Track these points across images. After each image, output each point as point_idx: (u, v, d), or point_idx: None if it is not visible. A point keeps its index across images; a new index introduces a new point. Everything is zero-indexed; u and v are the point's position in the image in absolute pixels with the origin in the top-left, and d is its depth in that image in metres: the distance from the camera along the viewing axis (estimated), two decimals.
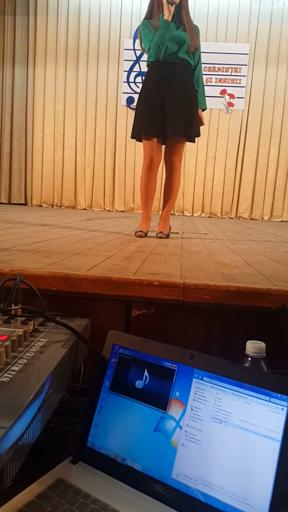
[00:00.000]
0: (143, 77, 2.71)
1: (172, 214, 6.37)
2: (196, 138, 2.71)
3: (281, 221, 6.45)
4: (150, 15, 2.55)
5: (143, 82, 2.67)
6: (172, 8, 2.39)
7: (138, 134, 2.64)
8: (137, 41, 2.63)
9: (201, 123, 2.69)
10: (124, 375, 0.79)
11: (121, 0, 6.28)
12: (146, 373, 0.77)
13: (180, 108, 2.51)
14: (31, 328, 0.85)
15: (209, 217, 6.58)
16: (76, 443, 0.79)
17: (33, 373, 0.68)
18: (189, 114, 2.55)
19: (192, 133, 2.59)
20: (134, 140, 2.76)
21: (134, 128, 2.65)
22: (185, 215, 6.57)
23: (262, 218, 6.55)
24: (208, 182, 6.57)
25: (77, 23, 6.38)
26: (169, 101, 2.50)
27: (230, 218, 6.58)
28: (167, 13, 2.39)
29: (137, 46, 2.61)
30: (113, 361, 0.80)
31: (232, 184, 6.54)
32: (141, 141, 2.67)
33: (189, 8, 2.55)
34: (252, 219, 6.55)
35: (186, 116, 2.54)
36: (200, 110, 2.66)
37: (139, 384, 0.77)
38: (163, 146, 2.67)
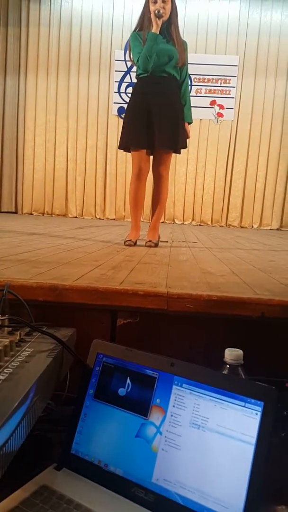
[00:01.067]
0: (132, 89, 2.77)
1: (163, 222, 6.44)
2: (186, 148, 2.78)
3: (270, 229, 6.53)
4: (140, 26, 2.59)
5: (131, 94, 2.74)
6: (160, 22, 2.44)
7: (126, 145, 2.70)
8: (127, 52, 2.69)
9: (187, 135, 2.75)
10: (108, 383, 0.81)
11: (112, 11, 6.38)
12: (128, 381, 0.79)
13: (167, 121, 2.57)
14: (18, 338, 0.87)
15: (199, 225, 6.64)
16: (61, 450, 0.82)
17: (18, 382, 0.71)
18: (176, 126, 2.61)
19: (178, 145, 2.66)
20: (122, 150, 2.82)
21: (122, 139, 2.71)
22: (176, 223, 6.63)
23: (252, 226, 6.63)
24: (199, 190, 6.65)
25: (69, 34, 6.46)
26: (156, 114, 2.56)
27: (220, 226, 6.64)
28: (155, 26, 2.44)
29: (127, 57, 2.67)
30: (97, 370, 0.83)
31: (222, 192, 6.62)
32: (129, 151, 2.72)
33: (179, 21, 2.61)
34: (241, 227, 6.62)
35: (173, 128, 2.60)
36: (186, 124, 2.72)
37: (121, 391, 0.79)
38: (151, 156, 2.73)
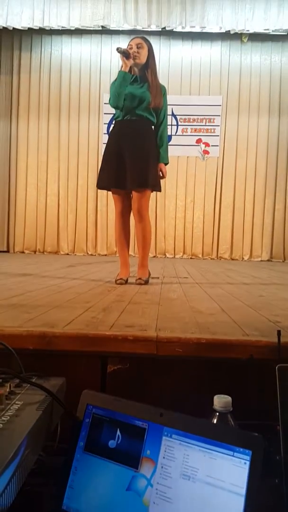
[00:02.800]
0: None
1: (154, 257, 6.50)
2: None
3: (261, 260, 6.60)
4: None
5: (108, 137, 2.86)
6: (129, 62, 2.58)
7: (103, 185, 2.79)
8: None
9: (162, 176, 2.82)
10: (98, 435, 0.81)
11: (100, 58, 6.67)
12: (118, 432, 0.79)
13: (137, 161, 2.66)
14: (7, 390, 0.87)
15: (190, 258, 6.70)
16: (51, 507, 0.80)
17: (8, 438, 0.71)
18: (145, 165, 2.68)
19: (148, 183, 2.71)
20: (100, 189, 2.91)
21: (99, 179, 2.81)
22: (167, 257, 6.68)
23: (242, 258, 6.70)
24: (188, 224, 6.75)
25: (59, 80, 6.72)
26: (127, 155, 2.66)
27: (211, 258, 6.70)
28: (124, 65, 2.59)
29: (106, 100, 2.85)
30: (87, 422, 0.83)
31: (212, 226, 6.73)
32: (109, 190, 2.84)
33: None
34: (232, 259, 6.69)
35: (142, 168, 2.68)
36: (162, 164, 2.80)
37: (112, 443, 0.79)
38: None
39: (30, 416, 0.78)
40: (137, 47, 2.63)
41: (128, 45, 2.69)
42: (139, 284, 2.68)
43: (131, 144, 2.66)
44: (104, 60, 6.66)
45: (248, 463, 0.68)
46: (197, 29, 6.06)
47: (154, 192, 2.95)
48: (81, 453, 0.81)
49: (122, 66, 2.61)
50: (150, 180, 2.71)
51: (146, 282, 2.75)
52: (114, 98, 2.63)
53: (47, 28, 6.00)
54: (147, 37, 2.80)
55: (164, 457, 0.74)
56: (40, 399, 0.85)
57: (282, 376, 0.84)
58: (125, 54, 2.56)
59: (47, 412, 0.83)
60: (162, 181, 2.86)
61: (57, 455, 1.00)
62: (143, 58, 2.65)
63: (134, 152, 2.66)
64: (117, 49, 2.59)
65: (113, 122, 2.84)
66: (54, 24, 5.85)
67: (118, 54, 2.59)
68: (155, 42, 2.78)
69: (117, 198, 2.78)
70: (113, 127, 2.81)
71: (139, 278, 2.73)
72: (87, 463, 0.80)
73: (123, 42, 6.43)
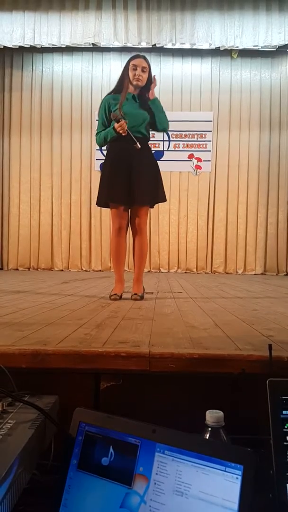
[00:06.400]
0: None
1: (149, 271, 6.50)
2: (167, 199, 2.95)
3: (255, 274, 6.63)
4: (118, 89, 2.78)
5: (107, 154, 2.88)
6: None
7: (104, 201, 2.82)
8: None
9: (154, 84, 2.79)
10: (91, 453, 0.81)
11: (91, 75, 6.77)
12: (111, 449, 0.80)
13: (145, 178, 2.71)
14: (0, 409, 0.87)
15: (185, 272, 6.71)
16: None
17: (0, 457, 0.71)
18: (154, 182, 2.77)
19: (157, 200, 2.81)
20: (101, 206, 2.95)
21: (100, 197, 2.82)
22: (162, 272, 6.68)
23: (236, 272, 6.72)
24: (182, 239, 6.78)
25: (50, 97, 6.81)
26: (134, 171, 2.69)
27: (205, 273, 6.72)
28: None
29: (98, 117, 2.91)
30: (79, 439, 0.83)
31: (205, 240, 6.77)
32: (107, 207, 2.85)
33: (156, 80, 2.80)
34: (226, 273, 6.71)
35: (151, 185, 2.74)
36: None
37: (105, 461, 0.79)
38: (129, 210, 2.83)
39: (23, 435, 0.78)
40: (142, 71, 2.69)
41: (131, 64, 2.70)
42: (135, 299, 2.69)
43: (140, 160, 2.70)
44: (95, 77, 6.77)
45: (240, 478, 0.68)
46: (187, 46, 6.18)
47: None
48: (74, 471, 0.81)
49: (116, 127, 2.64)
50: (161, 196, 2.81)
51: (142, 298, 2.75)
52: (100, 142, 2.80)
53: (38, 46, 6.08)
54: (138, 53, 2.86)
55: (157, 474, 0.75)
56: (32, 418, 0.85)
57: (272, 390, 0.84)
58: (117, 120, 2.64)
59: (40, 431, 0.83)
60: None
61: (51, 473, 1.00)
62: (144, 81, 2.72)
63: (144, 168, 2.71)
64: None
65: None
66: (45, 42, 5.93)
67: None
68: None
69: (117, 214, 2.78)
70: (114, 142, 2.74)
71: (135, 294, 2.73)
72: (80, 481, 0.80)
73: (114, 59, 6.57)
